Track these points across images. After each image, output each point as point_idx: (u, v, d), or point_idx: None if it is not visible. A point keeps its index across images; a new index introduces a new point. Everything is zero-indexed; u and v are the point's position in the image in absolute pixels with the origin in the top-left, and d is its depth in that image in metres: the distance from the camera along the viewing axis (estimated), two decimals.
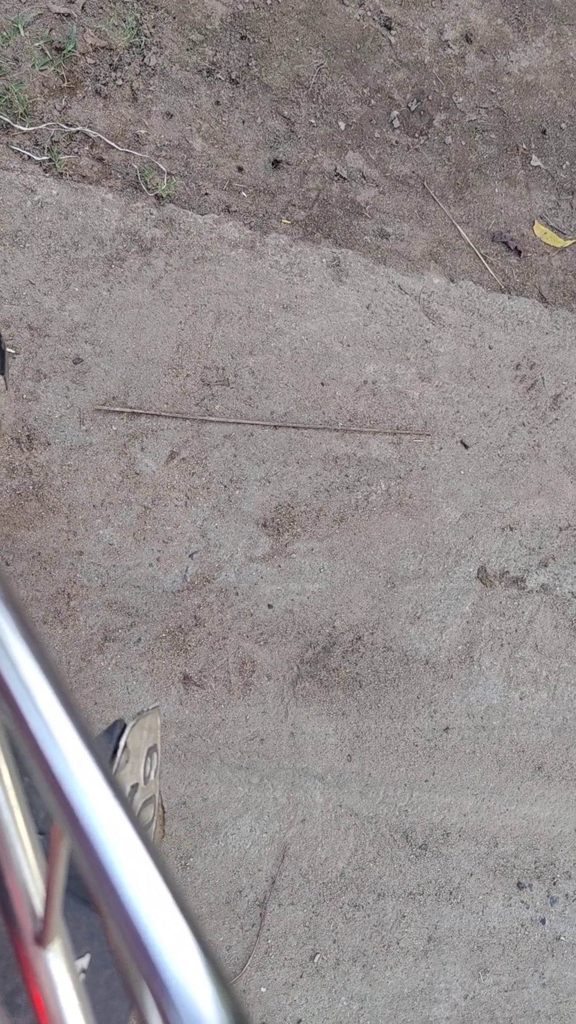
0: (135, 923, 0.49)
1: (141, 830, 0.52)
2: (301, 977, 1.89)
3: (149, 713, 1.25)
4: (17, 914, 0.67)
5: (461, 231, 2.23)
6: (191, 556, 1.95)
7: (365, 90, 2.23)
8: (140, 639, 1.91)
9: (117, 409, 1.96)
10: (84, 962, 0.97)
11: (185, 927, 0.49)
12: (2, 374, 1.43)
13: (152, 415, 1.97)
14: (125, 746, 1.15)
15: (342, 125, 2.20)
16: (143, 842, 0.52)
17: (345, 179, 2.18)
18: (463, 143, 2.28)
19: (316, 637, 1.98)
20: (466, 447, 2.11)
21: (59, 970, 0.66)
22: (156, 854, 0.52)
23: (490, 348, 2.18)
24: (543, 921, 2.02)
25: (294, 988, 1.89)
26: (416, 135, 2.25)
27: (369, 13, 2.26)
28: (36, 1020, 0.67)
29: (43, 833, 0.92)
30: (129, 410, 1.96)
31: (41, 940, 0.66)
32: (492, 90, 2.33)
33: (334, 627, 1.99)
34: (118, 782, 0.54)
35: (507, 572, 2.10)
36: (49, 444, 1.92)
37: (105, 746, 1.15)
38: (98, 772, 0.54)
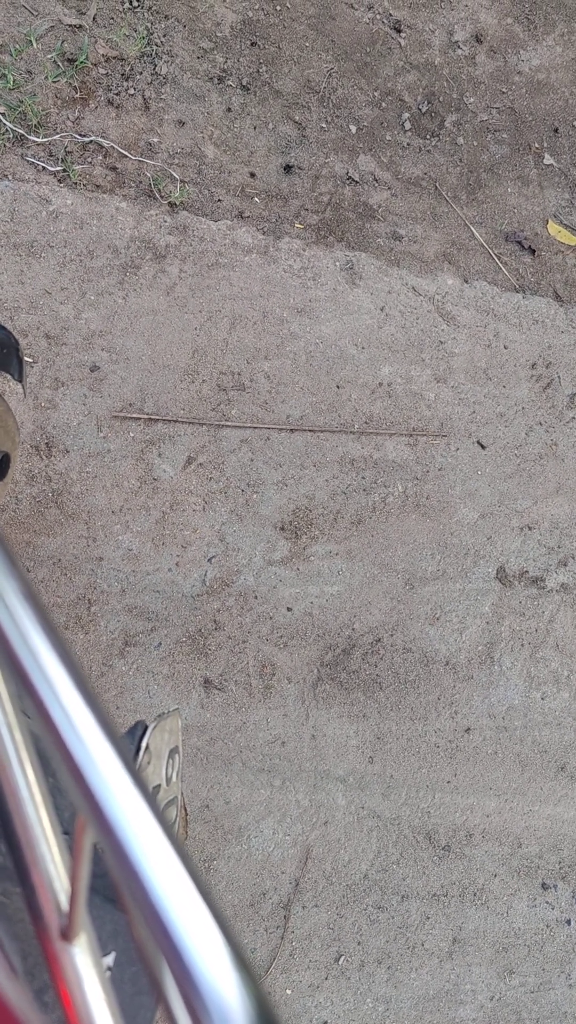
0: (161, 916, 0.49)
1: (165, 823, 0.53)
2: (326, 979, 1.89)
3: (170, 715, 1.25)
4: (43, 910, 0.68)
5: (474, 231, 2.23)
6: (210, 560, 1.96)
7: (376, 93, 2.24)
8: (160, 643, 1.92)
9: (134, 416, 1.97)
10: (110, 960, 0.97)
11: (212, 921, 0.49)
12: (20, 383, 1.45)
13: (169, 421, 1.99)
14: (147, 747, 1.16)
15: (353, 129, 2.21)
16: (167, 836, 0.52)
17: (357, 182, 2.19)
18: (475, 143, 2.28)
19: (336, 640, 1.98)
20: (483, 447, 2.11)
21: (85, 964, 0.67)
22: (180, 847, 0.52)
23: (505, 348, 2.18)
24: (568, 922, 2.02)
25: (319, 990, 1.89)
26: (427, 137, 2.25)
27: (378, 16, 2.27)
28: (64, 1017, 0.68)
29: (68, 833, 0.93)
30: (146, 416, 1.98)
31: (67, 935, 0.66)
32: (503, 90, 2.33)
33: (353, 629, 2.00)
34: (141, 775, 0.55)
35: (526, 572, 2.09)
36: (68, 451, 1.94)
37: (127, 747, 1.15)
38: (122, 765, 0.54)
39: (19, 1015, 0.67)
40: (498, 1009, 1.94)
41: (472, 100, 2.30)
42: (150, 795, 0.54)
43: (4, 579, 0.61)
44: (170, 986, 0.47)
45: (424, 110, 2.26)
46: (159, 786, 1.22)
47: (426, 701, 2.00)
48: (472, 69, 2.32)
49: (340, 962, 1.90)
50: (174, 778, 1.27)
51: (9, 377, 1.44)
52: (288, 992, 1.88)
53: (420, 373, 2.11)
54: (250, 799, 1.91)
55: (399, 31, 2.28)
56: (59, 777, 0.56)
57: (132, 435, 1.97)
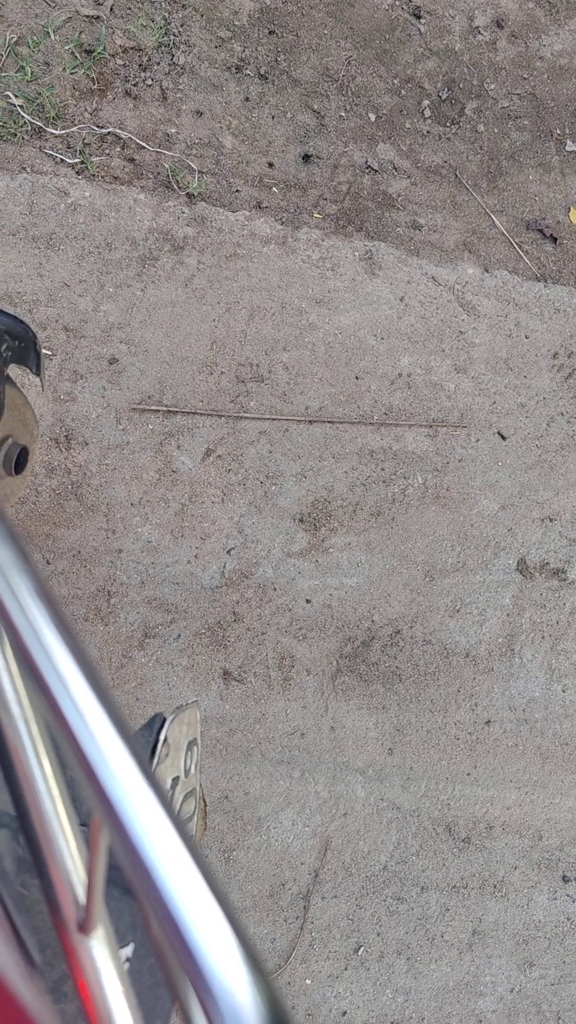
0: (174, 916, 0.49)
1: (178, 822, 0.53)
2: (346, 969, 1.90)
3: (188, 707, 1.26)
4: (61, 903, 0.68)
5: (495, 220, 2.20)
6: (229, 552, 1.97)
7: (395, 81, 2.22)
8: (180, 635, 1.92)
9: (153, 408, 1.97)
10: (128, 951, 0.98)
11: (224, 919, 0.49)
12: (38, 376, 1.45)
13: (188, 413, 1.99)
14: (165, 739, 1.16)
15: (372, 117, 2.19)
16: (180, 835, 0.52)
17: (376, 171, 2.17)
18: (496, 130, 2.25)
19: (355, 632, 1.98)
20: (503, 438, 2.09)
21: (102, 957, 0.68)
22: (194, 848, 0.52)
23: (526, 337, 2.16)
24: None
25: (339, 980, 1.89)
26: (448, 124, 2.23)
27: (398, 3, 2.25)
28: (82, 1007, 0.68)
29: (85, 825, 0.94)
30: (165, 408, 1.98)
31: (84, 928, 0.67)
32: (524, 75, 2.30)
33: (373, 621, 1.99)
34: (155, 775, 0.55)
35: (547, 563, 2.08)
36: (87, 444, 1.95)
37: (145, 740, 1.16)
38: (136, 766, 0.54)
39: (32, 1012, 0.68)
40: (518, 1001, 1.94)
41: (493, 86, 2.27)
42: (164, 796, 0.54)
43: (19, 577, 0.61)
44: (184, 986, 0.47)
45: (444, 97, 2.24)
46: (177, 778, 1.22)
47: (446, 693, 1.99)
48: (493, 55, 2.29)
49: (359, 953, 1.90)
50: (192, 770, 1.28)
51: (28, 370, 1.44)
52: (308, 982, 1.88)
53: (440, 364, 2.10)
54: (269, 790, 1.92)
55: (419, 17, 2.26)
56: (73, 772, 0.56)
57: (151, 427, 1.97)
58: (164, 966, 0.48)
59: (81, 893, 0.68)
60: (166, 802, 0.53)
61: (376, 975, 1.90)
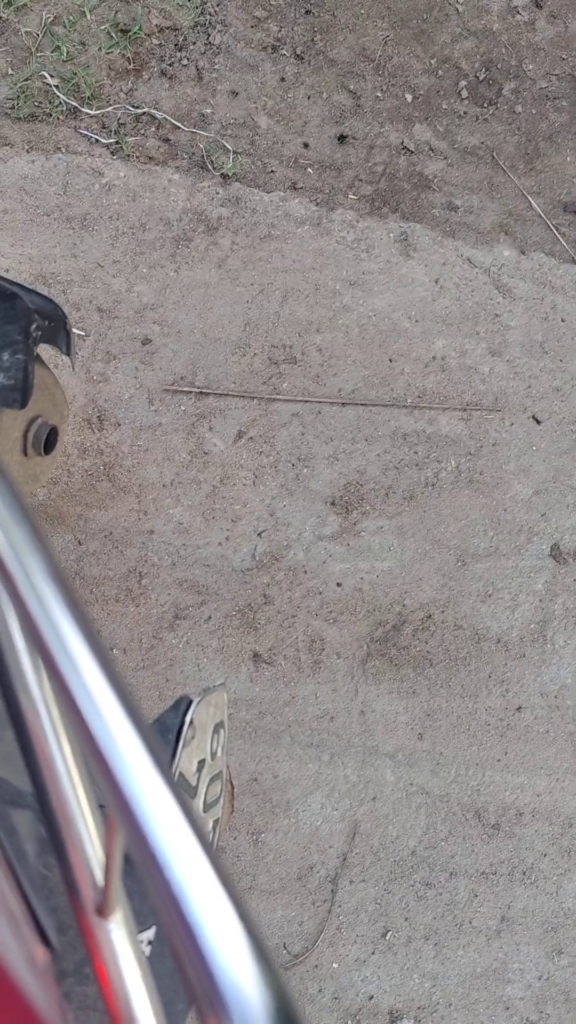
0: (183, 909, 0.48)
1: (190, 814, 0.52)
2: (373, 954, 1.89)
3: (215, 690, 1.25)
4: (79, 885, 0.68)
5: (532, 202, 2.17)
6: (260, 535, 1.96)
7: (432, 61, 2.19)
8: (210, 617, 1.92)
9: (185, 389, 1.97)
10: (150, 934, 0.98)
11: (235, 916, 0.49)
12: (68, 355, 1.45)
13: (220, 395, 1.98)
14: (191, 722, 1.15)
15: (409, 97, 2.17)
16: (193, 829, 0.51)
17: (412, 152, 2.15)
18: (533, 111, 2.22)
19: (386, 616, 1.97)
20: (538, 422, 2.07)
21: (120, 940, 0.67)
22: (205, 840, 0.52)
23: (563, 321, 2.13)
24: None
25: (366, 964, 1.89)
26: (485, 105, 2.20)
27: None
28: (100, 991, 0.68)
29: (103, 806, 0.94)
30: (197, 390, 1.97)
31: (102, 911, 0.67)
32: (563, 56, 2.27)
33: (404, 605, 1.98)
34: (167, 765, 0.54)
35: None
36: (119, 425, 1.95)
37: (171, 722, 1.15)
38: (147, 756, 0.53)
39: (34, 1002, 0.67)
40: (546, 988, 1.92)
41: (531, 67, 2.24)
42: (181, 794, 0.53)
43: (33, 560, 0.60)
44: (195, 981, 0.47)
45: (481, 78, 2.21)
46: (204, 760, 1.22)
47: (477, 679, 1.98)
48: (531, 35, 2.26)
49: (387, 937, 1.90)
50: (219, 752, 1.27)
51: (59, 350, 1.44)
52: (335, 965, 1.88)
53: (475, 347, 2.08)
54: (298, 773, 1.91)
55: None
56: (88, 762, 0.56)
57: (183, 408, 1.97)
58: (177, 960, 0.48)
59: (99, 875, 0.68)
60: (179, 795, 0.52)
61: (404, 960, 1.90)
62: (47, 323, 1.35)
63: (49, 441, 1.48)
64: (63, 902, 0.83)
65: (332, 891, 1.89)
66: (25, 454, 1.49)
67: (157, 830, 0.51)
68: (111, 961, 0.67)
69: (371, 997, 1.88)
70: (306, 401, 2.00)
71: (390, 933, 1.90)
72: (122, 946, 0.67)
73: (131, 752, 0.53)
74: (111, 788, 0.52)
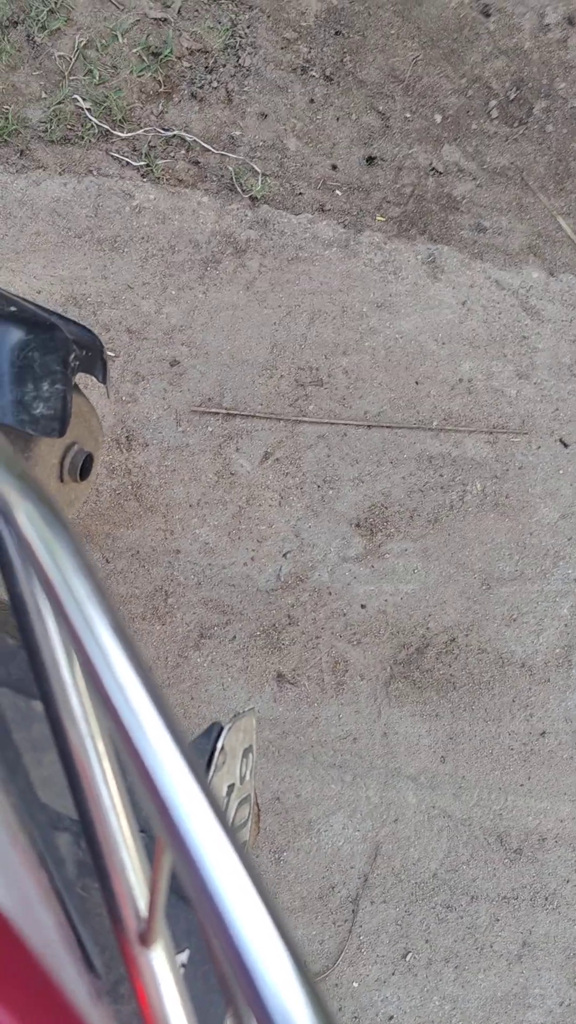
0: (230, 931, 0.50)
1: (232, 835, 0.53)
2: (393, 975, 1.90)
3: (245, 715, 1.27)
4: (122, 914, 0.70)
5: (562, 223, 2.17)
6: (285, 555, 1.97)
7: (462, 81, 2.19)
8: (235, 637, 1.94)
9: (213, 410, 1.99)
10: (184, 957, 0.99)
11: (279, 939, 0.50)
12: (103, 383, 1.47)
13: (247, 416, 2.00)
14: (222, 748, 1.17)
15: (438, 118, 2.17)
16: (238, 852, 0.53)
17: (441, 173, 2.15)
18: (564, 131, 2.21)
19: (409, 638, 1.98)
20: (565, 446, 2.06)
21: (162, 968, 0.69)
22: (251, 864, 0.53)
23: None
24: None
25: (386, 985, 1.90)
26: (515, 125, 2.19)
27: (467, 1, 2.22)
28: (139, 1010, 0.69)
29: (144, 831, 0.95)
30: (224, 411, 1.99)
31: (145, 940, 0.68)
32: None
33: (428, 628, 1.98)
34: (213, 791, 0.55)
35: None
36: (147, 445, 1.97)
37: (203, 748, 1.17)
38: (198, 788, 0.55)
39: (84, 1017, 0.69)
40: (568, 1015, 1.92)
41: (563, 86, 2.23)
42: (225, 818, 0.54)
43: (82, 584, 0.62)
44: (239, 998, 0.49)
45: (512, 97, 2.20)
46: (233, 785, 1.24)
47: (500, 703, 1.98)
48: (563, 53, 2.25)
49: (407, 959, 1.90)
50: (247, 776, 1.29)
51: (94, 379, 1.46)
52: (355, 985, 1.89)
53: (502, 369, 2.07)
54: (321, 793, 1.92)
55: (488, 15, 2.23)
56: (136, 789, 0.57)
57: (210, 429, 1.99)
58: (220, 977, 0.50)
59: (143, 906, 0.69)
60: (223, 818, 0.54)
61: (424, 982, 1.90)
62: (85, 353, 1.37)
63: (85, 468, 1.50)
64: (100, 924, 0.84)
65: (353, 911, 1.90)
66: (61, 480, 1.51)
67: (205, 855, 0.52)
68: (152, 988, 0.68)
69: (391, 1017, 1.89)
70: (332, 423, 2.01)
71: (411, 954, 1.91)
72: (164, 974, 0.69)
73: (180, 779, 0.55)
74: (163, 814, 0.53)
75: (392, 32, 2.18)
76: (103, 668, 0.59)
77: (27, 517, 0.66)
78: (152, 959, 0.69)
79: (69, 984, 0.72)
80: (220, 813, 0.54)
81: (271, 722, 1.93)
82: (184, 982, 0.71)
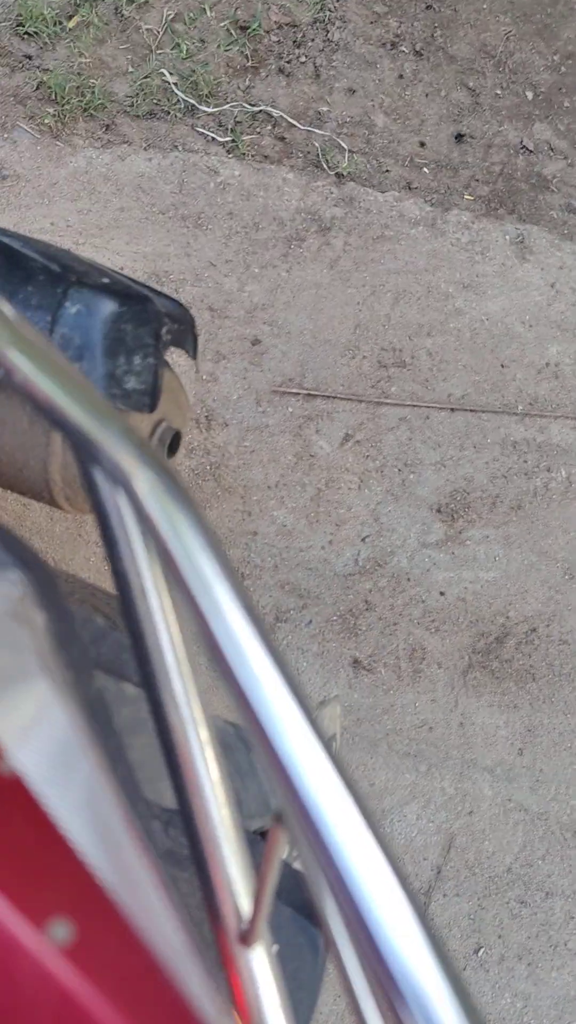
0: (366, 918, 0.47)
1: (376, 826, 0.50)
2: (464, 970, 1.87)
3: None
4: (222, 912, 0.67)
5: None
6: (363, 540, 1.94)
7: (555, 57, 2.13)
8: (311, 621, 1.91)
9: (293, 391, 1.96)
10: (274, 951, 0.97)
11: (423, 934, 0.47)
12: (194, 359, 1.45)
13: (328, 397, 1.96)
14: None
15: (530, 95, 2.11)
16: (378, 841, 0.50)
17: (531, 151, 2.09)
18: None
19: (489, 627, 1.93)
20: None
21: (261, 968, 0.66)
22: (389, 850, 0.50)
23: None
24: None
25: None
26: None
27: None
28: (233, 1006, 0.67)
29: (247, 829, 0.93)
30: (305, 392, 1.96)
31: (246, 939, 0.66)
32: None
33: (508, 617, 1.94)
34: (347, 770, 0.53)
35: None
36: (227, 425, 1.95)
37: None
38: (329, 762, 0.52)
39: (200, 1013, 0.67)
40: None
41: None
42: (363, 801, 0.52)
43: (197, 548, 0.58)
44: (378, 996, 0.46)
45: None
46: None
47: None
48: None
49: (479, 954, 1.87)
50: None
51: (185, 354, 1.44)
52: None
53: None
54: (395, 783, 1.89)
55: None
56: (260, 769, 0.55)
57: (290, 410, 1.96)
58: (338, 966, 0.47)
59: (244, 905, 0.67)
60: (363, 803, 0.51)
61: (496, 978, 1.87)
62: (176, 326, 1.34)
63: (173, 445, 1.48)
64: (186, 915, 0.83)
65: (425, 903, 1.87)
66: None
67: (341, 842, 0.49)
68: (250, 987, 0.66)
69: None
70: (414, 406, 1.97)
71: (483, 950, 1.87)
72: (263, 974, 0.67)
73: (315, 764, 0.52)
74: (293, 799, 0.51)
75: (484, 6, 2.12)
76: (232, 653, 0.55)
77: (149, 488, 0.62)
78: (252, 959, 0.66)
79: (195, 996, 0.70)
80: (360, 799, 0.51)
81: (346, 709, 1.90)
82: (284, 984, 0.69)
